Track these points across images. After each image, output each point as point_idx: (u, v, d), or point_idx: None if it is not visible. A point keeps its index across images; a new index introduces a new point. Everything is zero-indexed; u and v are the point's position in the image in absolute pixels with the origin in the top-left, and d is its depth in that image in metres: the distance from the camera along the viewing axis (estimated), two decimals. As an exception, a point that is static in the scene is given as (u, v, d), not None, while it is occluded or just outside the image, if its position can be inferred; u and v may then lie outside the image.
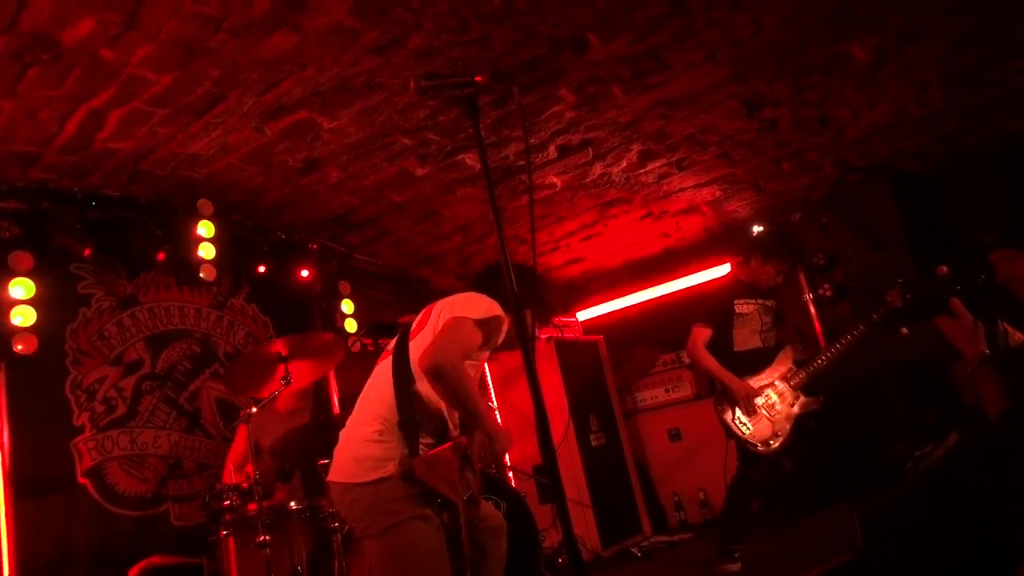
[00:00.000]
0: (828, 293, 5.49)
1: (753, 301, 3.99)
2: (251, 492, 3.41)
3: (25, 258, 3.84)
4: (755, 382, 3.85)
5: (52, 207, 4.00)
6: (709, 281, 4.29)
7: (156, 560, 3.76)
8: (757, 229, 4.91)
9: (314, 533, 3.59)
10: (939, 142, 5.17)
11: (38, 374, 3.91)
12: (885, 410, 3.94)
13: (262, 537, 3.28)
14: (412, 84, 1.88)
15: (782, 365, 3.93)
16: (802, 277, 5.67)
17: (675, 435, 5.87)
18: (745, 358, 3.93)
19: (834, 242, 5.36)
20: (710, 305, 4.02)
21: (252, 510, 3.41)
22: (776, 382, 3.87)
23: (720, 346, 3.92)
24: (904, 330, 3.99)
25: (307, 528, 3.58)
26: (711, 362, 3.86)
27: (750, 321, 3.97)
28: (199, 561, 3.66)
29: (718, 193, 5.61)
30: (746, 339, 3.97)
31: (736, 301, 3.97)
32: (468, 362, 2.31)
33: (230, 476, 3.83)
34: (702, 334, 3.92)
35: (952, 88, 4.49)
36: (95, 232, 4.13)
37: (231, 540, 3.44)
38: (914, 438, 4.06)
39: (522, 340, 1.70)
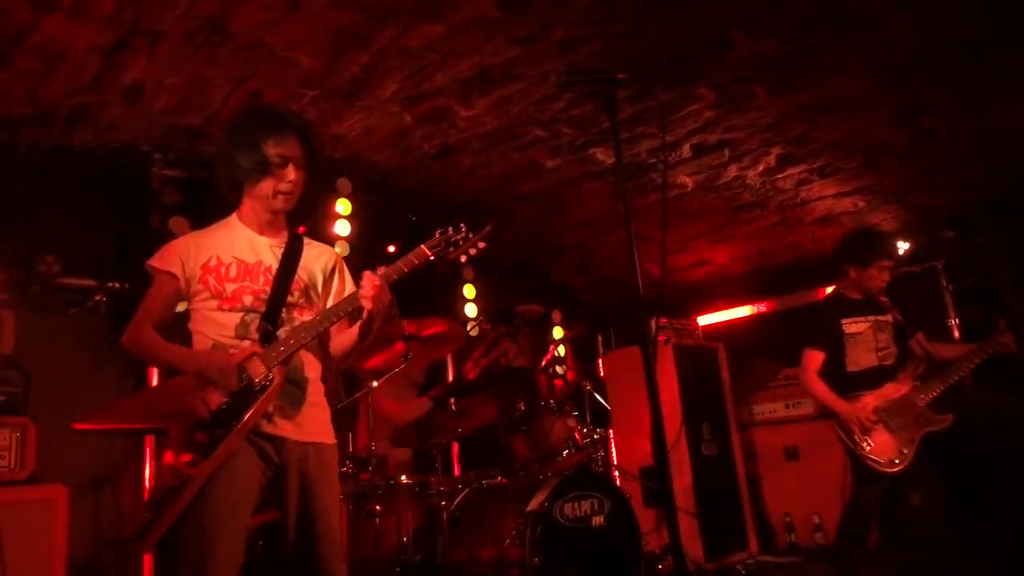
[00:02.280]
0: (979, 318, 5.08)
1: (864, 319, 3.74)
2: (367, 462, 3.56)
3: (182, 223, 4.15)
4: (874, 398, 3.61)
5: (208, 177, 4.30)
6: (819, 299, 4.03)
7: (275, 515, 3.99)
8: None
9: (422, 508, 3.71)
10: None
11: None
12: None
13: (373, 506, 3.42)
14: (554, 78, 1.88)
15: (905, 383, 3.66)
16: (948, 299, 5.27)
17: (792, 453, 5.62)
18: (861, 377, 3.68)
19: (987, 264, 4.95)
20: (820, 326, 3.80)
21: (365, 479, 3.56)
22: (899, 397, 3.62)
23: (834, 367, 3.71)
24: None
25: (416, 502, 3.71)
26: (819, 388, 3.66)
27: (863, 340, 3.71)
28: (313, 522, 3.86)
29: (860, 204, 5.30)
30: (860, 358, 3.72)
31: (844, 321, 3.72)
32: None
33: (350, 444, 4.01)
34: (815, 359, 3.72)
35: None
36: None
37: (344, 506, 3.61)
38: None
39: (643, 344, 1.67)
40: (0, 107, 3.54)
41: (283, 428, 2.14)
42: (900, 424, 3.55)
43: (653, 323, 5.57)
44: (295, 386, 2.19)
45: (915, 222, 5.46)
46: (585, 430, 4.01)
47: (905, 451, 3.51)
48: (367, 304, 2.11)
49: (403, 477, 3.70)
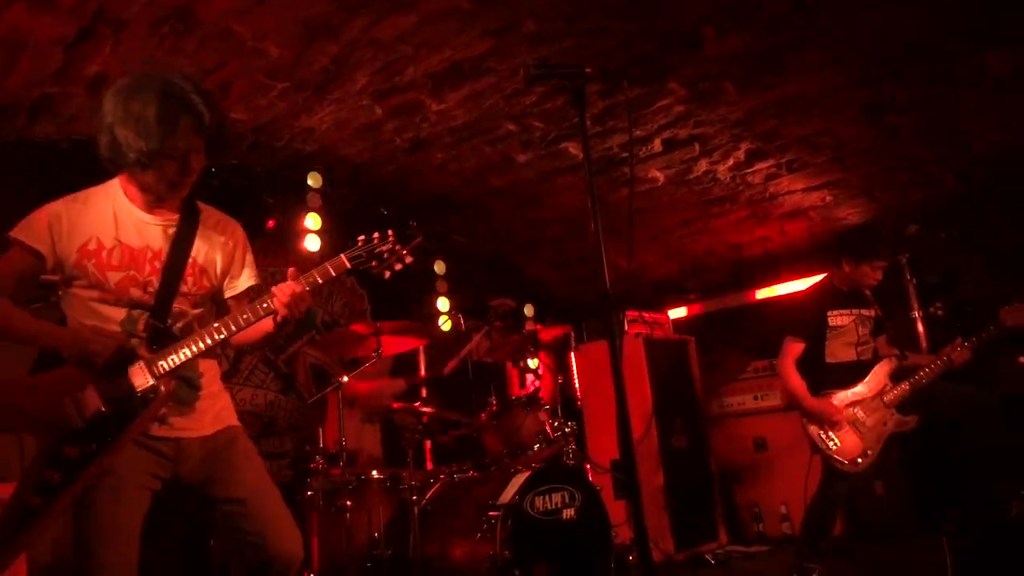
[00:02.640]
0: (940, 312, 5.18)
1: (848, 312, 3.80)
2: (337, 457, 3.55)
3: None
4: (845, 396, 3.68)
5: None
6: (807, 289, 4.06)
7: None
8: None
9: (394, 502, 3.71)
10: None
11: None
12: (991, 443, 3.67)
13: (344, 501, 3.41)
14: (522, 71, 1.89)
15: (877, 380, 3.73)
16: (912, 293, 5.37)
17: (760, 444, 5.71)
18: (837, 371, 3.75)
19: (951, 260, 5.06)
20: (805, 316, 3.85)
21: (336, 474, 3.55)
22: (869, 397, 3.69)
23: (813, 358, 3.77)
24: (1022, 359, 3.72)
25: (387, 497, 3.71)
26: (794, 380, 3.71)
27: (845, 333, 3.78)
28: (284, 516, 3.84)
29: (828, 198, 5.39)
30: (839, 352, 3.79)
31: (830, 312, 3.78)
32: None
33: (320, 439, 3.99)
34: (794, 348, 3.77)
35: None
36: (211, 198, 4.36)
37: (315, 501, 3.60)
38: (1022, 477, 3.79)
39: (609, 337, 1.69)
40: (-40, 99, 3.47)
41: (180, 429, 1.99)
42: (868, 424, 3.62)
43: (624, 317, 5.63)
44: (187, 383, 2.00)
45: (881, 216, 5.56)
46: (556, 424, 4.03)
47: (870, 452, 3.58)
48: (283, 311, 1.97)
49: (374, 472, 3.69)
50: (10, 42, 3.13)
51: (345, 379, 3.55)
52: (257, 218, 4.60)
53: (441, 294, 5.58)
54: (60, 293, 2.03)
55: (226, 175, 4.45)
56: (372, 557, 3.51)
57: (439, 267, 5.61)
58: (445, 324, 5.36)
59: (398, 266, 2.05)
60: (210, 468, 2.02)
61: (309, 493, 3.63)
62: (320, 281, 2.03)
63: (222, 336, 1.95)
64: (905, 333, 4.32)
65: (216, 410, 2.11)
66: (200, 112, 1.92)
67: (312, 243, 4.72)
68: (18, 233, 1.95)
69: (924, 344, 5.18)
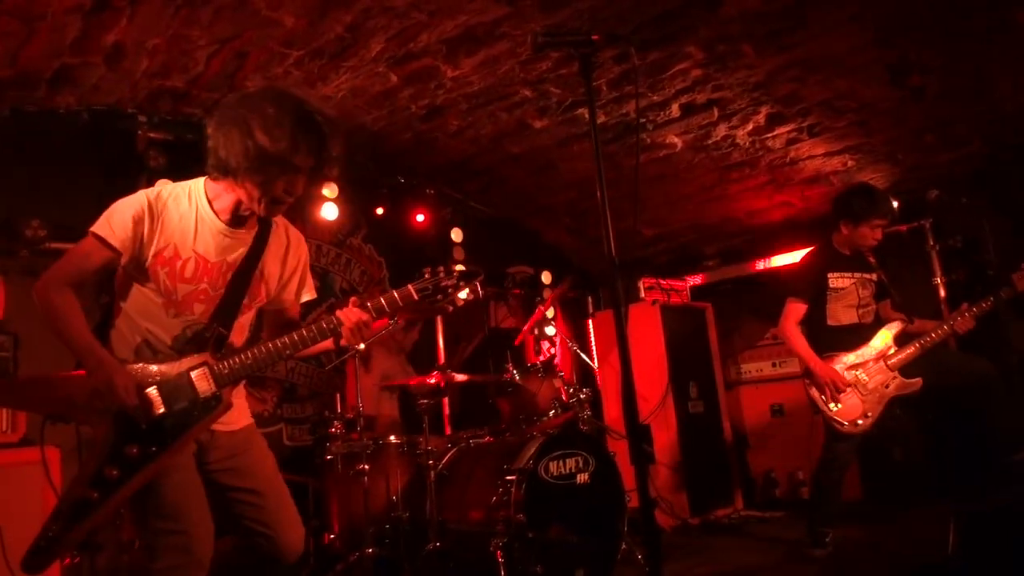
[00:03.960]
0: (961, 278, 5.11)
1: (849, 275, 3.76)
2: (355, 422, 3.62)
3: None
4: (848, 359, 3.66)
5: (195, 139, 4.29)
6: (807, 252, 4.02)
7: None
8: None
9: (412, 467, 3.78)
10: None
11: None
12: (1008, 410, 3.64)
13: (362, 465, 3.49)
14: (530, 39, 1.88)
15: (880, 342, 3.70)
16: (935, 259, 5.30)
17: (778, 411, 5.71)
18: (839, 333, 3.73)
19: (973, 224, 4.97)
20: (806, 277, 3.82)
21: (355, 439, 3.62)
22: (872, 360, 3.66)
23: (814, 321, 3.75)
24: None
25: (404, 462, 3.78)
26: (799, 342, 3.70)
27: (846, 295, 3.75)
28: (305, 480, 3.94)
29: (850, 163, 5.30)
30: (840, 314, 3.75)
31: (830, 274, 3.75)
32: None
33: (338, 404, 4.07)
34: (797, 310, 3.75)
35: None
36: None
37: (334, 465, 3.68)
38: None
39: (614, 304, 1.70)
40: (-20, 69, 3.51)
41: (219, 423, 2.05)
42: (870, 386, 3.61)
43: (640, 284, 5.62)
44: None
45: (904, 181, 5.46)
46: (571, 390, 4.06)
47: (870, 414, 3.57)
48: (347, 338, 2.01)
49: (392, 437, 3.76)
50: (28, 11, 3.15)
51: (362, 346, 3.59)
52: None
53: (458, 261, 5.60)
54: (121, 277, 2.03)
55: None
56: (390, 519, 3.59)
57: (456, 234, 5.63)
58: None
59: (460, 302, 2.09)
60: (233, 459, 2.08)
61: (328, 457, 3.71)
62: (387, 310, 2.04)
63: (287, 352, 1.99)
64: (916, 298, 4.25)
65: (242, 406, 2.17)
66: (326, 138, 1.92)
67: (329, 211, 4.76)
68: (99, 229, 1.94)
69: (945, 310, 5.12)
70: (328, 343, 2.11)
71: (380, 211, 5.21)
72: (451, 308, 2.13)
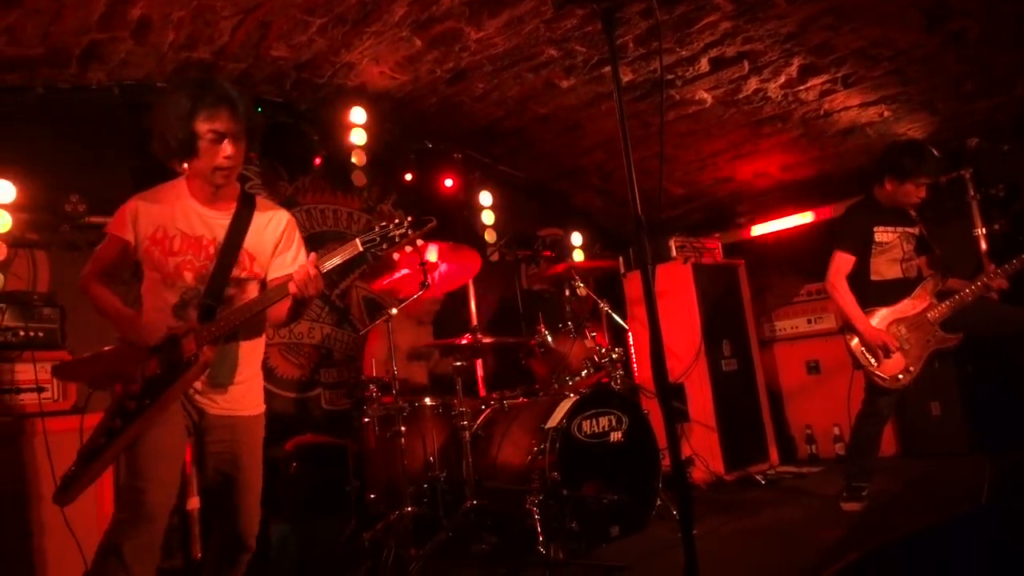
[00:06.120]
0: (1003, 228, 4.98)
1: (893, 229, 3.69)
2: (391, 385, 3.69)
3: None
4: (890, 314, 3.62)
5: (160, 132, 4.32)
6: (850, 205, 3.93)
7: (308, 438, 4.19)
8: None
9: (447, 429, 3.85)
10: None
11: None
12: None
13: (399, 427, 3.56)
14: (551, -2, 1.86)
15: (921, 298, 3.65)
16: (976, 210, 5.16)
17: (813, 367, 5.67)
18: (884, 288, 3.67)
19: (1016, 172, 4.82)
20: (854, 228, 3.75)
21: (389, 402, 3.69)
22: (913, 315, 3.62)
23: (857, 275, 3.69)
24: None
25: (440, 423, 3.84)
26: (847, 299, 3.63)
27: (890, 249, 3.69)
28: (344, 443, 4.04)
29: (886, 114, 5.16)
30: (883, 268, 3.70)
31: (876, 228, 3.68)
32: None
33: (370, 369, 4.14)
34: (846, 262, 3.68)
35: None
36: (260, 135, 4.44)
37: (372, 427, 3.76)
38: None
39: (640, 263, 1.70)
40: (13, 48, 3.57)
41: (203, 401, 2.25)
42: (911, 341, 3.57)
43: (670, 243, 5.57)
44: (225, 365, 2.27)
45: (942, 130, 5.31)
46: (604, 350, 4.08)
47: (912, 368, 3.54)
48: (293, 290, 2.15)
49: (427, 399, 3.82)
50: (55, -12, 3.20)
51: (394, 311, 3.64)
52: (304, 156, 4.67)
53: (487, 225, 5.61)
54: (141, 274, 2.34)
55: (271, 112, 4.52)
56: (428, 479, 3.67)
57: (484, 197, 5.62)
58: (493, 255, 5.41)
59: (408, 248, 2.22)
60: (226, 443, 2.28)
61: (365, 420, 3.79)
62: (338, 262, 2.20)
63: (255, 309, 2.21)
64: (956, 253, 4.16)
65: (238, 397, 2.33)
66: (234, 99, 2.19)
67: (359, 178, 4.78)
68: (109, 227, 2.30)
69: (986, 262, 5.01)
70: (287, 303, 2.26)
71: (408, 177, 5.22)
72: (397, 255, 2.36)
